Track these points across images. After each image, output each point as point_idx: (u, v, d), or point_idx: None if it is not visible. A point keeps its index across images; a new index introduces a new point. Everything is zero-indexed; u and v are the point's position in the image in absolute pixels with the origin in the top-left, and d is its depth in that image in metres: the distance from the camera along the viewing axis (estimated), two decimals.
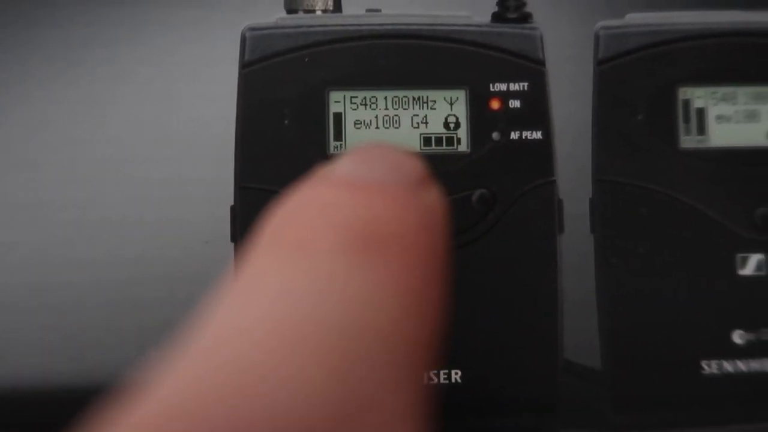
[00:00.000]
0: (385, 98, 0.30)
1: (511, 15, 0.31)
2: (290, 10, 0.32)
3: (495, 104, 0.30)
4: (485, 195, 0.30)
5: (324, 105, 0.30)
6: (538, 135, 0.30)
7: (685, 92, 0.31)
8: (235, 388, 0.12)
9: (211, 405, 0.12)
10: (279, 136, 0.30)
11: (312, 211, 0.16)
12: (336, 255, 0.15)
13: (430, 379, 0.29)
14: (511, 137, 0.30)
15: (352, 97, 0.30)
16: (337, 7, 0.32)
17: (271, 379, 0.12)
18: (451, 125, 0.30)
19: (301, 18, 0.31)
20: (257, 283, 0.14)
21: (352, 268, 0.14)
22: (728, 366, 0.30)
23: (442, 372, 0.29)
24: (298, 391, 0.12)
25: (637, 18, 0.31)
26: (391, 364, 0.14)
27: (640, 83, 0.31)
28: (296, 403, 0.12)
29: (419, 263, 0.15)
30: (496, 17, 0.31)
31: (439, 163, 0.30)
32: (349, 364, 0.13)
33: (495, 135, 0.30)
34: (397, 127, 0.30)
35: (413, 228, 0.16)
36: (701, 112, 0.31)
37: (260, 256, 0.15)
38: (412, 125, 0.30)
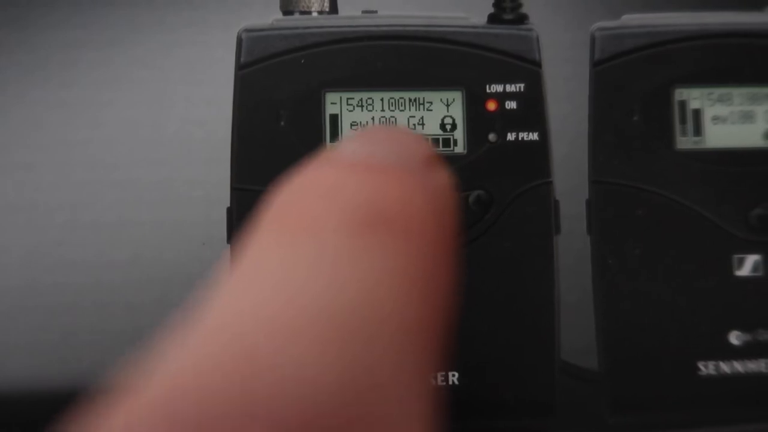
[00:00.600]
0: (382, 99, 0.30)
1: (508, 16, 0.31)
2: (286, 12, 0.32)
3: (491, 105, 0.30)
4: (482, 196, 0.30)
5: (320, 106, 0.30)
6: (534, 136, 0.30)
7: (681, 93, 0.31)
8: (237, 370, 0.12)
9: (214, 387, 0.12)
10: (275, 137, 0.30)
11: (316, 193, 0.15)
12: (341, 237, 0.14)
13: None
14: (507, 138, 0.30)
15: (348, 99, 0.30)
16: (333, 9, 0.32)
17: (273, 362, 0.12)
18: (448, 126, 0.30)
19: (297, 19, 0.31)
20: (261, 266, 0.14)
21: (357, 251, 0.14)
22: (725, 367, 0.30)
23: (439, 374, 0.29)
24: (301, 375, 0.12)
25: (633, 19, 0.31)
26: (397, 348, 0.13)
27: (637, 84, 0.31)
28: (298, 387, 0.12)
29: (427, 245, 0.15)
30: (493, 18, 0.31)
31: None
32: (353, 348, 0.13)
33: (491, 136, 0.30)
34: None
35: (420, 209, 0.15)
36: (697, 113, 0.31)
37: (263, 238, 0.15)
38: (408, 126, 0.30)
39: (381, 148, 0.16)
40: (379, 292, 0.14)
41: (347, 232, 0.14)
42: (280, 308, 0.13)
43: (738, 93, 0.31)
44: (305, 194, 0.15)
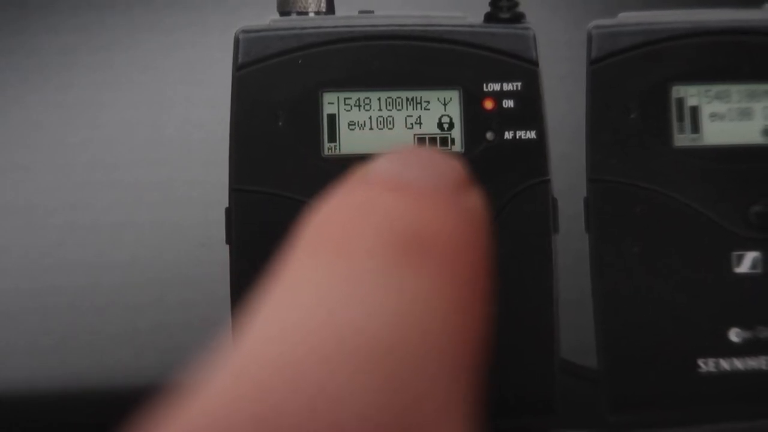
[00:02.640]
0: (379, 99, 0.30)
1: (504, 15, 0.31)
2: (283, 12, 0.32)
3: (488, 104, 0.30)
4: None
5: (318, 106, 0.30)
6: (532, 134, 0.30)
7: (678, 90, 0.31)
8: (270, 396, 0.12)
9: (251, 408, 0.12)
10: (273, 137, 0.30)
11: (350, 213, 0.15)
12: (377, 259, 0.14)
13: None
14: (505, 137, 0.30)
15: (345, 99, 0.30)
16: (330, 9, 0.32)
17: (309, 383, 0.12)
18: (445, 125, 0.30)
19: (294, 20, 0.31)
20: (297, 288, 0.14)
21: (392, 275, 0.14)
22: (725, 364, 0.30)
23: None
24: (336, 395, 0.12)
25: (629, 17, 0.31)
26: (433, 372, 0.13)
27: (634, 82, 0.30)
28: (334, 407, 0.12)
29: (461, 268, 0.15)
30: (489, 17, 0.31)
31: None
32: (387, 372, 0.13)
33: (489, 135, 0.30)
34: (391, 128, 0.30)
35: (454, 232, 0.15)
36: (695, 111, 0.31)
37: (299, 259, 0.15)
38: (406, 126, 0.30)
39: (414, 169, 0.16)
40: (414, 317, 0.14)
41: (383, 254, 0.14)
42: (316, 331, 0.13)
43: (736, 90, 0.31)
44: (340, 214, 0.15)
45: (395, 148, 0.17)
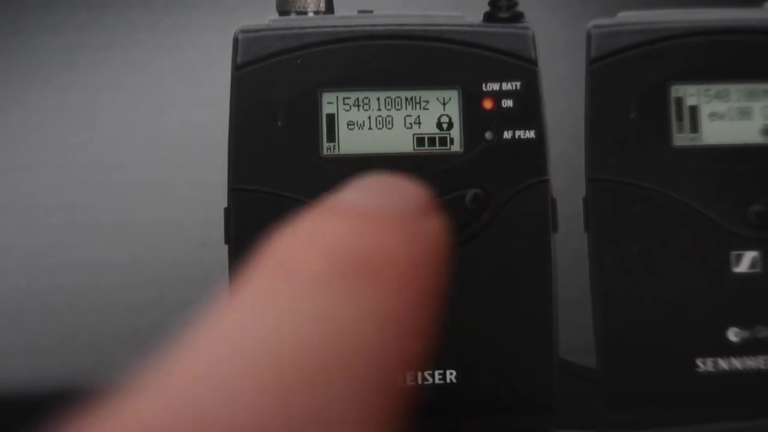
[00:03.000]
0: (378, 99, 0.30)
1: (503, 15, 0.31)
2: (282, 12, 0.32)
3: (488, 104, 0.30)
4: (479, 195, 0.30)
5: (317, 106, 0.30)
6: (531, 134, 0.30)
7: (677, 90, 0.31)
8: (195, 403, 0.13)
9: (182, 422, 0.12)
10: (272, 137, 0.30)
11: (307, 239, 0.16)
12: (320, 280, 0.15)
13: (425, 379, 0.29)
14: (504, 137, 0.30)
15: (344, 98, 0.30)
16: (329, 9, 0.32)
17: (222, 396, 0.13)
18: (444, 125, 0.30)
19: (293, 20, 0.31)
20: (238, 308, 0.15)
21: (334, 293, 0.15)
22: (723, 363, 0.30)
23: (437, 372, 0.29)
24: (261, 413, 0.13)
25: (629, 16, 0.31)
26: (349, 397, 0.14)
27: (633, 81, 0.31)
28: (242, 421, 0.12)
29: (409, 290, 0.15)
30: (488, 17, 0.31)
31: (432, 164, 0.30)
32: (301, 395, 0.13)
33: (488, 134, 0.30)
34: (390, 128, 0.30)
35: (407, 255, 0.16)
36: (694, 110, 0.31)
37: (248, 283, 0.15)
38: (405, 126, 0.30)
39: (377, 197, 0.17)
40: (348, 333, 0.14)
41: (327, 275, 0.15)
42: (239, 346, 0.14)
43: (735, 89, 0.31)
44: (294, 240, 0.16)
45: (363, 178, 0.18)
